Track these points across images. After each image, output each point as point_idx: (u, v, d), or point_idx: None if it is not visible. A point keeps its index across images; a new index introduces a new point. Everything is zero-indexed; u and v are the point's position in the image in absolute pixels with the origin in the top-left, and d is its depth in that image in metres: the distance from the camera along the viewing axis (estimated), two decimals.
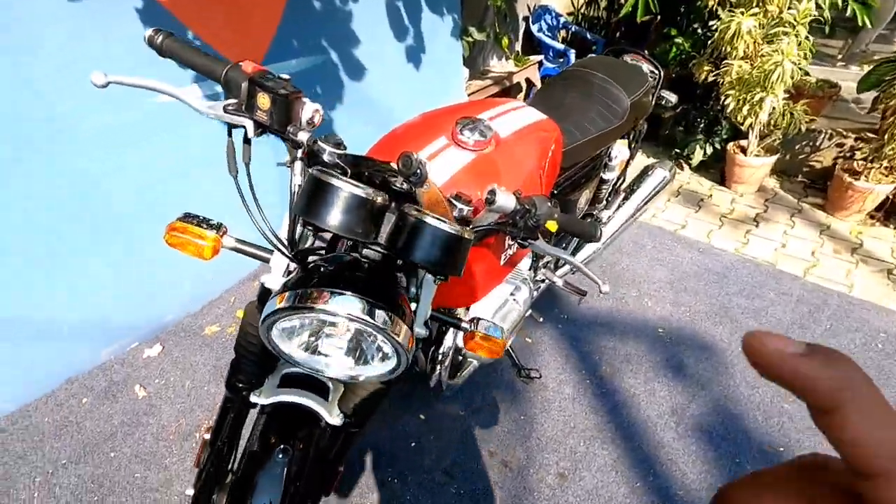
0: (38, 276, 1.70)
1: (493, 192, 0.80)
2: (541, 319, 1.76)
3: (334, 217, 0.62)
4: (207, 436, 1.05)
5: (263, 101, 0.68)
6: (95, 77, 0.69)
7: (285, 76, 0.74)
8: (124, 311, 1.97)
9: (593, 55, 2.05)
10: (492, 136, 1.02)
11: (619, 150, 1.79)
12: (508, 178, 1.01)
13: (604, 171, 1.79)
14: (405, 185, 0.75)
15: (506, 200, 0.81)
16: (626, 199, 2.01)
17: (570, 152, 1.43)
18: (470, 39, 3.05)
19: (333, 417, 0.96)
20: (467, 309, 1.22)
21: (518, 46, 4.15)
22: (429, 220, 0.65)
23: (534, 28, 3.90)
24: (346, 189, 0.62)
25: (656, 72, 1.85)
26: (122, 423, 1.74)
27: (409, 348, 0.72)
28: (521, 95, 4.19)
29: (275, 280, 0.77)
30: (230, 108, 0.71)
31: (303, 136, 0.69)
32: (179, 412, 1.78)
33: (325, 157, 0.74)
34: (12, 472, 1.59)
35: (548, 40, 3.87)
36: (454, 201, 0.82)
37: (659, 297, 2.28)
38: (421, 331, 0.81)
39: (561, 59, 3.97)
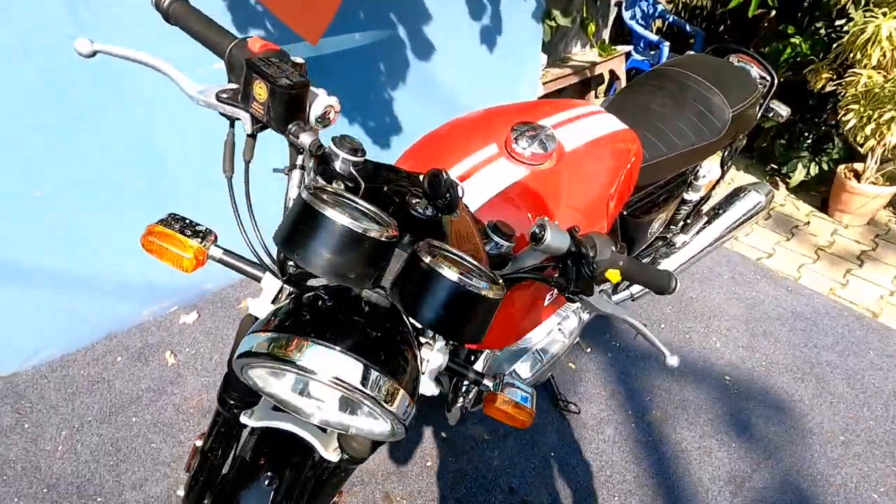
0: (92, 231, 1.72)
1: (542, 228, 0.63)
2: (588, 350, 1.56)
3: (319, 255, 0.48)
4: (199, 442, 0.97)
5: (260, 90, 0.54)
6: (80, 45, 0.58)
7: (299, 60, 0.59)
8: (168, 274, 1.96)
9: (692, 52, 1.77)
10: (553, 149, 0.83)
11: (709, 168, 1.53)
12: (566, 204, 0.83)
13: (687, 191, 1.54)
14: (429, 211, 0.59)
15: (557, 239, 0.63)
16: (708, 223, 1.74)
17: (649, 169, 1.21)
18: (553, 24, 2.79)
19: (330, 452, 0.84)
20: (496, 350, 1.06)
21: (606, 34, 3.80)
22: (445, 271, 0.50)
23: (626, 15, 3.54)
24: (339, 221, 0.48)
25: (768, 78, 1.56)
26: (149, 389, 1.74)
27: (407, 416, 0.57)
28: (603, 88, 3.87)
29: (262, 306, 0.64)
30: (225, 95, 0.58)
31: (305, 139, 0.55)
32: (203, 386, 1.76)
33: (337, 166, 0.60)
34: (43, 421, 1.63)
35: (640, 30, 3.51)
36: (491, 233, 0.65)
37: (730, 337, 2.00)
38: (431, 387, 0.67)
39: (653, 52, 3.60)
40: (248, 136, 0.63)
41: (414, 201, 0.60)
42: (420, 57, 2.28)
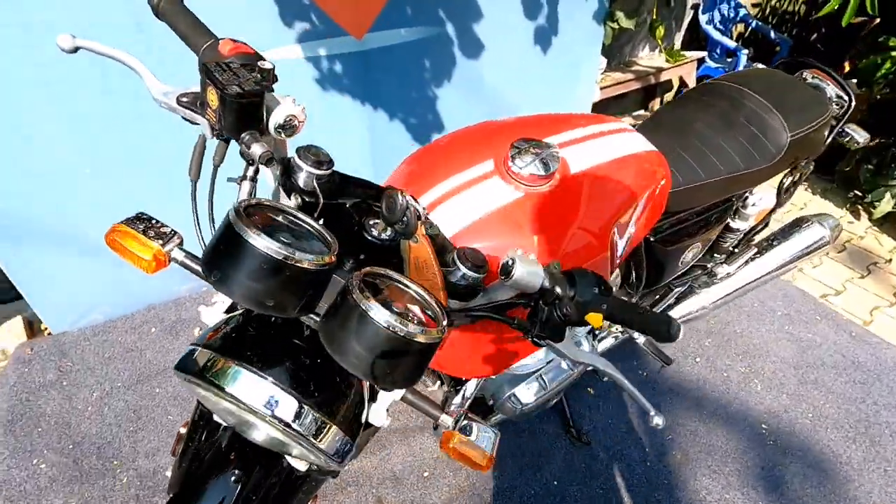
0: (142, 207, 1.81)
1: (511, 262, 0.57)
2: (605, 379, 1.45)
3: (236, 280, 0.45)
4: (183, 430, 0.99)
5: (212, 97, 0.52)
6: (62, 40, 0.59)
7: (267, 65, 0.57)
8: None
9: (759, 65, 1.60)
10: (555, 170, 0.76)
11: (762, 196, 1.37)
12: (559, 233, 0.75)
13: (733, 219, 1.40)
14: (385, 234, 0.55)
15: (529, 275, 0.57)
16: (758, 254, 1.58)
17: (683, 194, 1.10)
18: (615, 26, 2.63)
19: (298, 461, 0.83)
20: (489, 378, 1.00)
21: (678, 38, 3.56)
22: (372, 311, 0.45)
23: (702, 18, 3.30)
24: (261, 247, 0.44)
25: (845, 99, 1.38)
26: (175, 362, 1.82)
27: (341, 452, 0.54)
28: (669, 96, 3.63)
29: (214, 315, 0.63)
30: (185, 99, 0.56)
31: (257, 150, 0.52)
32: None
33: (300, 179, 0.57)
34: (80, 382, 1.75)
35: (717, 35, 3.25)
36: (459, 262, 0.60)
37: (774, 381, 1.81)
38: (382, 417, 0.63)
39: (729, 59, 3.33)
40: (219, 140, 0.62)
41: (371, 223, 0.57)
42: (468, 55, 2.23)
